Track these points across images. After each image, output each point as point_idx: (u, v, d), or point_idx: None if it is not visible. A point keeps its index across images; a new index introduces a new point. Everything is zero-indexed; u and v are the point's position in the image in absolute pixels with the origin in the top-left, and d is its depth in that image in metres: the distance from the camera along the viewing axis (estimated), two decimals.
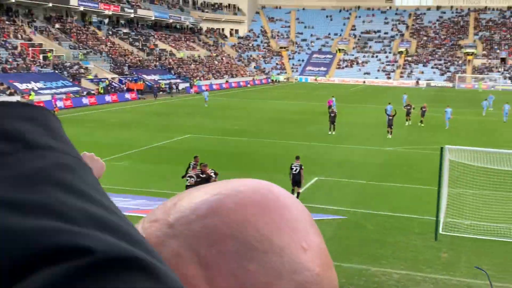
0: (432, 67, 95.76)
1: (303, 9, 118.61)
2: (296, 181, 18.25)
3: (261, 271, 0.55)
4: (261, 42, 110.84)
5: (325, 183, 20.93)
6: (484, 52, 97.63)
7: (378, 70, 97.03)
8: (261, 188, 0.63)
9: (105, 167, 2.08)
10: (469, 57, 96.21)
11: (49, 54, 55.64)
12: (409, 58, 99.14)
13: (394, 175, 22.63)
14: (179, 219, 0.59)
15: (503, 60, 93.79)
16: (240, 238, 0.57)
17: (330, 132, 33.46)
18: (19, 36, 56.63)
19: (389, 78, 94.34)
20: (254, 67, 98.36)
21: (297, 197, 17.30)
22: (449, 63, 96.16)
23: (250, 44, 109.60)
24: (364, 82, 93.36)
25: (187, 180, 16.66)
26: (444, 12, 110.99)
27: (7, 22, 57.94)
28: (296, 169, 18.35)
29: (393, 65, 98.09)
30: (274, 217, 0.59)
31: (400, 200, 18.71)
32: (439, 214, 15.34)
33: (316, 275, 0.58)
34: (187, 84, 67.23)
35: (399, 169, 24.01)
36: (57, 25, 65.54)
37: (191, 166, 17.61)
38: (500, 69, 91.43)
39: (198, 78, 73.47)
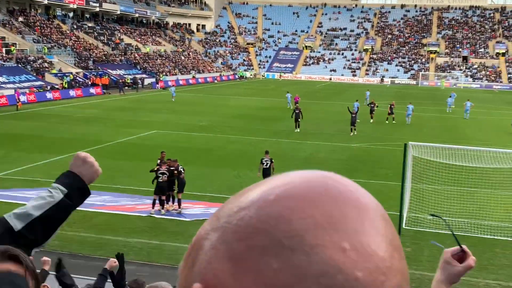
0: (396, 65, 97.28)
1: (270, 5, 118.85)
2: (267, 175, 18.39)
3: (284, 269, 0.52)
4: (228, 38, 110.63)
5: None
6: (447, 50, 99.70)
7: (344, 68, 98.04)
8: (314, 181, 0.59)
9: (100, 171, 2.08)
10: (432, 55, 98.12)
11: (12, 48, 54.39)
12: (374, 56, 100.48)
13: (359, 171, 22.97)
14: (225, 211, 0.58)
15: (465, 58, 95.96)
16: (270, 233, 0.54)
17: (296, 130, 33.56)
18: None
19: (354, 75, 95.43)
20: (221, 63, 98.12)
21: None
22: (413, 61, 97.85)
23: (217, 40, 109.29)
24: (330, 79, 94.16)
25: (159, 177, 16.51)
26: (408, 11, 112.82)
27: None
28: (267, 163, 18.96)
29: (358, 62, 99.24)
30: (314, 212, 0.56)
31: None
32: (403, 209, 15.68)
33: (354, 280, 0.53)
34: (153, 80, 66.67)
35: (364, 165, 24.39)
36: (20, 18, 64.07)
37: (159, 162, 17.44)
38: (462, 67, 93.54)
39: (164, 73, 72.93)
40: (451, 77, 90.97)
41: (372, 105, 39.51)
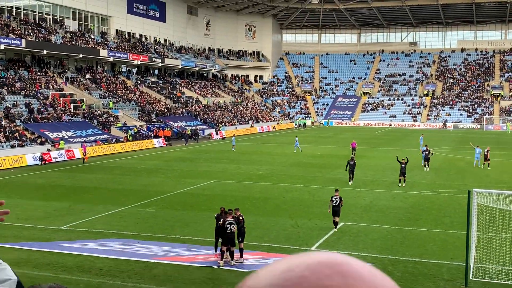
0: (459, 109, 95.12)
1: (327, 54, 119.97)
2: (336, 212, 20.15)
3: None
4: (285, 87, 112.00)
5: (351, 228, 20.68)
6: (511, 93, 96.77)
7: (404, 113, 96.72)
8: (319, 268, 0.59)
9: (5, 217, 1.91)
10: (496, 99, 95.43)
11: (82, 104, 57.13)
12: (435, 100, 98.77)
13: (421, 220, 22.26)
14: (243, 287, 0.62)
15: None
16: None
17: (350, 182, 31.02)
18: (51, 86, 58.37)
19: (415, 120, 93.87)
20: (279, 112, 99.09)
21: (336, 225, 20.06)
22: (476, 105, 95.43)
23: (275, 89, 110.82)
24: (390, 125, 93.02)
25: (228, 228, 16.13)
26: (469, 54, 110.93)
27: (39, 74, 59.89)
28: (336, 201, 20.12)
29: (419, 107, 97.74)
30: None
31: (428, 246, 18.34)
32: (469, 259, 14.99)
33: None
34: (213, 130, 67.98)
35: (427, 213, 23.62)
36: (87, 75, 67.47)
37: (222, 213, 17.02)
38: None
39: (223, 124, 74.28)
40: None
41: (427, 152, 36.99)
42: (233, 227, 16.18)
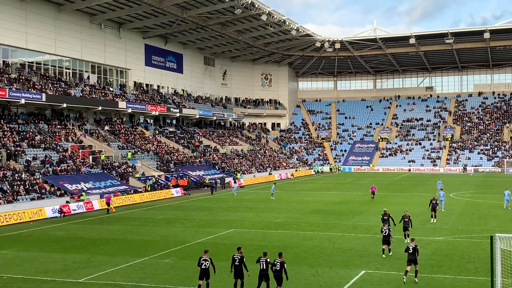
0: (478, 153, 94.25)
1: (343, 100, 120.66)
2: (387, 241, 23.52)
3: None
4: (303, 134, 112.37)
5: (373, 276, 20.25)
6: None
7: (423, 158, 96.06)
8: None
9: None
10: None
11: (102, 156, 57.76)
12: (454, 145, 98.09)
13: (444, 266, 21.75)
14: None
15: None
16: None
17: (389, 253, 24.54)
18: (70, 139, 59.28)
19: (435, 165, 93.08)
20: (297, 159, 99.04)
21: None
22: (495, 148, 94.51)
23: (292, 137, 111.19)
24: (409, 170, 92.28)
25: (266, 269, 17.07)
26: (487, 98, 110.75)
27: (58, 126, 60.97)
28: (386, 231, 23.48)
29: (438, 152, 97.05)
30: None
31: None
32: None
33: None
34: (231, 178, 67.98)
35: (450, 259, 23.09)
36: (106, 127, 68.48)
37: (238, 258, 17.60)
38: None
39: (241, 172, 74.32)
40: None
41: (434, 202, 34.00)
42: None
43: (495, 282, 14.82)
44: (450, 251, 24.87)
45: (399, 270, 21.03)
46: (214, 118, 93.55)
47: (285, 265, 17.07)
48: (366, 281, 19.60)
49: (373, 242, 26.87)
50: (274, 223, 34.61)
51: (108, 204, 42.57)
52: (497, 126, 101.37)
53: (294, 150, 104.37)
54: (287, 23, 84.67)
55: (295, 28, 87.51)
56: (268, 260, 17.37)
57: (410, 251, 19.79)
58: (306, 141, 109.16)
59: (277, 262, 17.08)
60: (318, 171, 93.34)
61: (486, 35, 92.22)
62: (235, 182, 61.02)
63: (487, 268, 19.87)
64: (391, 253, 23.73)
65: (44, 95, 57.73)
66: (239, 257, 17.54)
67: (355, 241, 27.62)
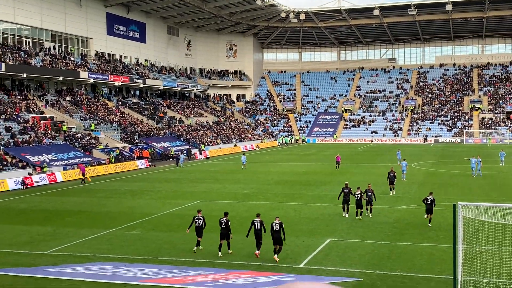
0: (439, 124, 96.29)
1: (308, 72, 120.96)
2: (359, 205, 25.50)
3: None
4: (268, 105, 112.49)
5: (338, 244, 20.69)
6: (490, 107, 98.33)
7: (385, 129, 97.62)
8: None
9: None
10: (475, 113, 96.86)
11: (64, 127, 56.61)
12: (416, 116, 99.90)
13: (407, 234, 22.36)
14: None
15: (509, 114, 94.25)
16: None
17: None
18: (31, 109, 57.87)
19: (396, 136, 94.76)
20: (262, 130, 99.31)
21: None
22: (455, 119, 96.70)
23: (257, 108, 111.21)
24: (372, 141, 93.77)
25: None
26: (447, 70, 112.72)
27: (19, 97, 59.38)
28: (358, 196, 25.49)
29: (399, 123, 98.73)
30: None
31: (415, 260, 18.41)
32: (457, 272, 15.06)
33: None
34: (196, 150, 67.81)
35: (413, 227, 23.75)
36: (68, 98, 67.04)
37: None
38: (507, 123, 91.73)
39: (206, 143, 74.16)
40: (497, 133, 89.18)
41: (392, 174, 33.51)
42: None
43: (457, 249, 15.34)
44: (412, 219, 25.56)
45: (363, 238, 21.54)
46: (179, 89, 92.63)
47: (283, 225, 18.67)
48: (332, 248, 20.01)
49: (339, 211, 27.37)
50: (240, 194, 34.83)
51: (83, 174, 42.29)
52: (457, 98, 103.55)
53: (259, 121, 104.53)
54: None
55: None
56: (263, 221, 19.21)
57: (428, 202, 23.76)
58: (271, 113, 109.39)
59: (276, 224, 18.49)
60: (283, 142, 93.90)
61: (448, 7, 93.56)
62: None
63: (448, 235, 20.52)
64: (361, 217, 25.54)
65: (3, 64, 56.00)
66: (225, 221, 19.22)
67: (320, 211, 28.08)
